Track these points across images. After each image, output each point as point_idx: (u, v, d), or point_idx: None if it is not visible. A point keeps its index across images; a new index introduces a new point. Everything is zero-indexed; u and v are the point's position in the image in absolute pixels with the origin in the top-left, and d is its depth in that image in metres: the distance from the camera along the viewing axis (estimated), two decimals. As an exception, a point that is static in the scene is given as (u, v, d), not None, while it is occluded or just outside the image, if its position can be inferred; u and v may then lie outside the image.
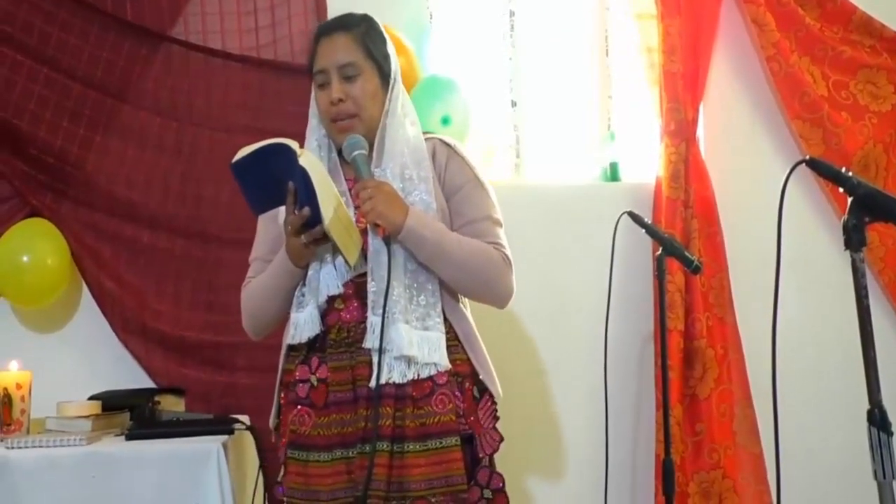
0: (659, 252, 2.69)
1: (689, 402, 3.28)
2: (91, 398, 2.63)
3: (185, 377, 2.99)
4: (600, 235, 3.00)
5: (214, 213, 3.09)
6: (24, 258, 2.86)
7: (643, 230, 2.82)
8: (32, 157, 2.98)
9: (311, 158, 1.88)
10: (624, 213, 2.74)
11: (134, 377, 2.99)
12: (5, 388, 2.44)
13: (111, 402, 2.60)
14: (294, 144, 1.87)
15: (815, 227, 3.49)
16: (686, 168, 3.34)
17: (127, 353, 3.01)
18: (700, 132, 3.42)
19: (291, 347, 2.03)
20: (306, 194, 1.85)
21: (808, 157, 1.57)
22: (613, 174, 3.51)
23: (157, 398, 2.67)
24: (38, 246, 2.90)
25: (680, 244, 2.82)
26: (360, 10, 2.14)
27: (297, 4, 3.22)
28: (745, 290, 3.38)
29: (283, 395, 2.07)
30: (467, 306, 2.10)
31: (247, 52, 3.16)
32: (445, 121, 2.96)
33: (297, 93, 3.14)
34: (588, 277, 3.24)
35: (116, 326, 3.01)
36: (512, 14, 3.51)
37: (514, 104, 3.49)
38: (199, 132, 3.12)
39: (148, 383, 2.99)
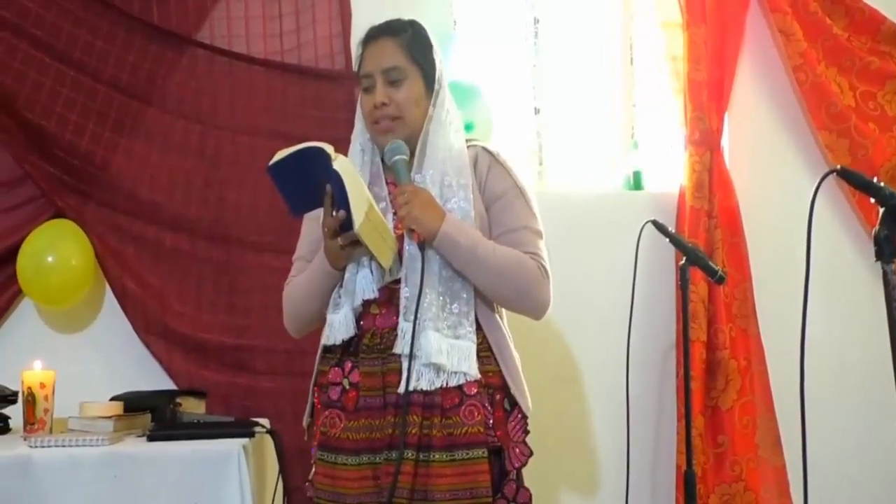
0: (683, 262, 2.67)
1: (711, 413, 3.26)
2: (113, 399, 2.64)
3: (206, 379, 2.99)
4: (623, 244, 2.99)
5: (237, 215, 3.10)
6: (49, 258, 2.88)
7: (667, 239, 2.80)
8: (58, 159, 3.00)
9: (345, 162, 1.89)
10: (648, 221, 2.72)
11: (155, 378, 2.99)
12: (29, 388, 2.45)
13: (133, 403, 2.61)
14: (329, 148, 1.89)
15: (840, 237, 3.47)
16: (710, 177, 3.32)
17: (148, 355, 3.02)
18: (724, 141, 3.40)
19: (326, 349, 2.04)
20: (342, 197, 1.85)
21: (839, 166, 1.55)
22: (637, 183, 3.49)
23: (178, 400, 2.68)
24: (63, 247, 2.91)
25: (704, 254, 2.80)
26: (383, 17, 2.15)
27: (321, 10, 3.23)
28: (769, 301, 3.35)
29: (316, 395, 2.07)
30: (503, 317, 2.09)
31: (271, 57, 3.17)
32: (468, 127, 2.95)
33: (319, 97, 3.17)
34: (610, 286, 3.22)
35: (138, 328, 3.02)
36: (536, 21, 3.51)
37: (537, 111, 3.49)
38: (222, 135, 3.13)
39: (169, 385, 2.99)
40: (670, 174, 3.47)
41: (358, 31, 3.07)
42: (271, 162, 1.92)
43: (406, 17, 2.16)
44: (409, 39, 2.05)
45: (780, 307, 3.32)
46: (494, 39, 3.50)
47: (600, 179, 3.54)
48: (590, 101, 3.57)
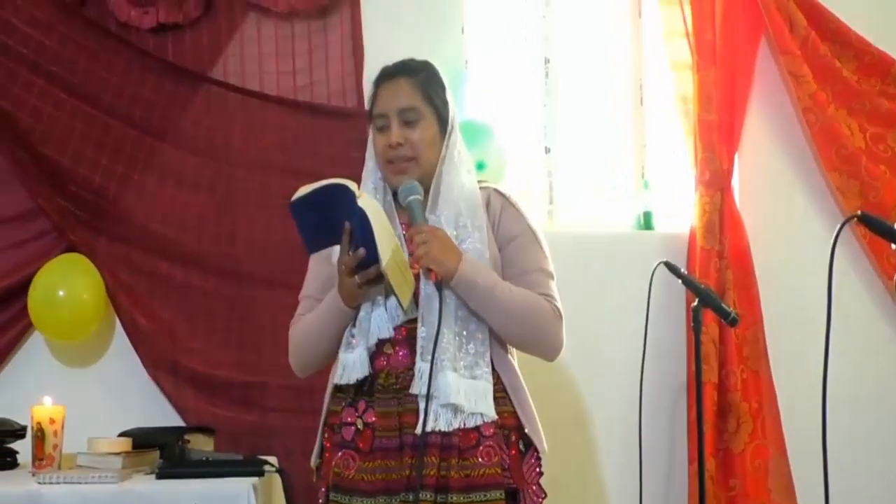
0: (695, 303, 2.66)
1: (722, 456, 3.24)
2: (121, 435, 2.63)
3: (215, 416, 2.98)
4: (633, 284, 2.99)
5: (248, 251, 3.11)
6: (60, 293, 2.88)
7: (679, 280, 2.79)
8: (72, 193, 3.02)
9: (370, 200, 1.89)
10: (660, 263, 2.71)
11: (164, 414, 2.99)
12: (39, 423, 2.45)
13: (141, 440, 2.60)
14: (353, 185, 1.89)
15: (851, 279, 3.45)
16: (721, 218, 3.32)
17: (157, 390, 3.01)
18: (735, 182, 3.41)
19: (338, 388, 2.02)
20: (362, 235, 1.85)
21: (859, 212, 1.55)
22: (647, 223, 3.49)
23: (186, 437, 2.67)
24: (75, 281, 2.92)
25: (716, 295, 2.79)
26: (396, 56, 2.16)
27: (334, 48, 3.26)
28: (780, 342, 3.34)
29: (326, 435, 2.05)
30: (515, 358, 2.08)
31: (284, 94, 3.20)
32: (480, 166, 2.96)
33: (331, 134, 3.19)
34: (620, 325, 3.21)
35: (147, 363, 3.01)
36: (547, 61, 3.53)
37: (547, 150, 3.50)
38: (234, 171, 3.15)
39: (178, 421, 2.99)
40: (680, 214, 3.48)
41: (370, 70, 3.13)
42: (294, 198, 1.92)
43: (418, 56, 2.17)
44: (424, 80, 2.06)
45: (792, 349, 3.31)
46: (506, 79, 3.52)
47: (611, 219, 3.54)
48: (600, 140, 3.58)
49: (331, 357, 2.05)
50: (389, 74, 2.08)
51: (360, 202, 1.85)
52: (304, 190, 1.92)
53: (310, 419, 2.92)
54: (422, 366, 1.89)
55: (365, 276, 1.88)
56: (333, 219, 1.91)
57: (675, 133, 3.45)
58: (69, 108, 3.04)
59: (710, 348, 3.21)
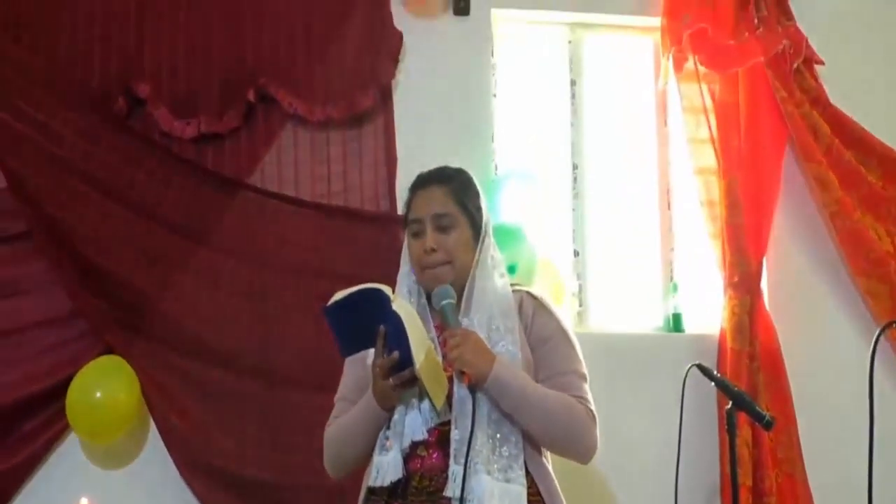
0: (729, 406, 2.65)
1: (760, 561, 3.17)
2: (154, 537, 2.64)
3: (247, 518, 2.97)
4: (663, 386, 3.00)
5: (281, 354, 3.14)
6: (98, 394, 2.92)
7: (710, 382, 2.78)
8: (110, 295, 3.08)
9: (404, 304, 1.93)
10: (692, 365, 2.71)
11: (197, 516, 2.99)
12: (74, 525, 2.46)
13: (174, 542, 2.60)
14: (387, 289, 1.93)
15: (886, 384, 3.42)
16: (751, 320, 3.34)
17: (190, 492, 3.01)
18: (763, 285, 3.43)
19: (371, 490, 2.02)
20: (396, 338, 1.89)
21: (896, 321, 1.56)
22: (676, 325, 3.51)
23: (218, 539, 2.67)
24: (111, 383, 2.96)
25: (750, 398, 2.78)
26: (427, 163, 2.23)
27: (367, 156, 3.35)
28: (814, 447, 3.30)
29: None
30: (550, 462, 2.08)
31: (319, 199, 3.28)
32: (512, 269, 3.01)
33: (365, 238, 3.26)
34: (652, 428, 3.20)
35: (180, 464, 3.03)
36: (575, 167, 3.61)
37: (576, 253, 3.55)
38: (270, 275, 3.20)
39: (209, 524, 2.99)
40: (709, 316, 3.49)
41: (403, 177, 3.23)
42: (329, 303, 1.95)
43: (450, 163, 2.23)
44: (458, 187, 2.12)
45: (827, 452, 3.27)
46: (535, 184, 3.59)
47: (640, 321, 3.56)
48: (628, 244, 3.63)
49: (365, 459, 2.06)
50: (425, 181, 2.15)
51: (395, 305, 1.89)
52: (339, 295, 1.95)
53: (341, 521, 2.93)
54: (455, 469, 1.89)
55: (399, 378, 1.91)
56: (367, 322, 1.94)
57: (703, 236, 3.50)
58: (112, 213, 3.13)
59: (743, 451, 3.18)
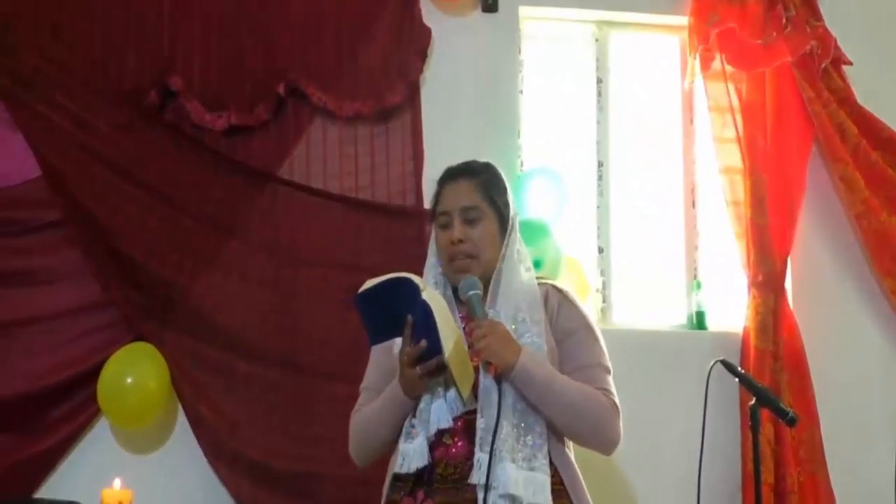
0: (752, 402, 2.66)
1: (781, 559, 3.18)
2: (181, 523, 2.68)
3: (273, 506, 3.01)
4: (686, 382, 3.02)
5: (308, 345, 3.18)
6: (128, 380, 2.98)
7: (734, 379, 2.79)
8: (142, 286, 3.13)
9: (433, 293, 1.96)
10: (717, 361, 2.73)
11: (221, 502, 3.03)
12: (108, 507, 2.50)
13: (201, 528, 2.64)
14: (417, 279, 1.97)
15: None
16: (775, 319, 3.35)
17: (216, 479, 3.06)
18: (787, 284, 3.43)
19: (397, 477, 2.05)
20: (425, 327, 1.92)
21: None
22: (700, 322, 3.52)
23: (246, 526, 2.71)
24: (142, 369, 3.02)
25: (774, 395, 2.79)
26: (454, 158, 2.27)
27: (395, 150, 3.39)
28: (837, 446, 3.31)
29: None
30: (572, 452, 2.10)
31: (347, 193, 3.32)
32: (537, 264, 3.02)
33: (391, 232, 3.29)
34: (674, 424, 3.22)
35: (207, 452, 3.07)
36: (600, 165, 3.63)
37: (601, 250, 3.57)
38: (298, 267, 3.25)
39: (234, 508, 3.04)
40: (732, 314, 3.50)
41: (429, 171, 3.26)
42: (360, 291, 1.99)
43: (476, 157, 2.26)
44: (486, 181, 2.15)
45: (850, 452, 3.28)
46: (560, 181, 3.61)
47: (663, 319, 3.58)
48: (652, 241, 3.65)
49: (390, 446, 2.10)
50: (453, 174, 2.18)
51: (424, 295, 1.93)
52: (369, 283, 1.99)
53: (366, 510, 2.97)
54: (481, 456, 1.92)
55: (426, 367, 1.94)
56: (396, 311, 1.97)
57: (727, 235, 3.51)
58: (144, 205, 3.18)
59: (765, 449, 3.19)
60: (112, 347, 3.08)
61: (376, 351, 2.19)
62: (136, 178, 3.20)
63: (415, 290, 1.94)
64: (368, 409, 2.14)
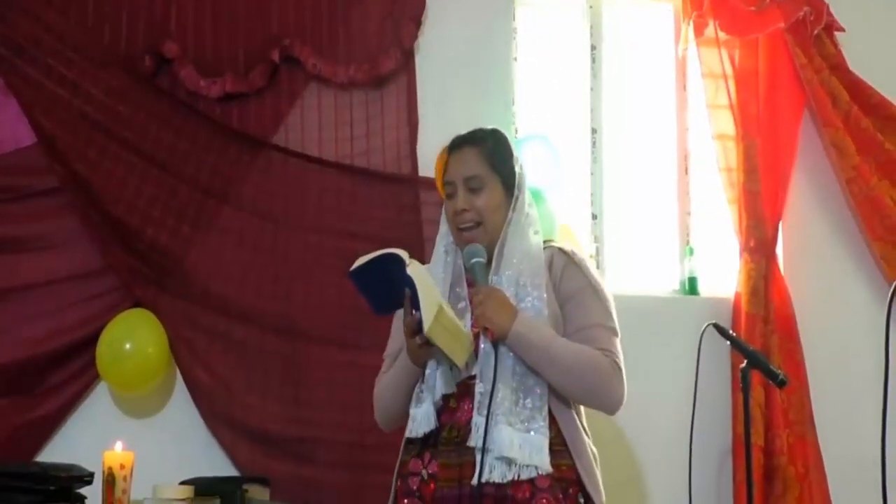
0: (744, 365, 2.70)
1: (770, 520, 3.24)
2: (182, 483, 2.71)
3: (269, 469, 3.05)
4: (678, 347, 3.06)
5: (303, 310, 3.20)
6: (127, 346, 3.00)
7: (725, 343, 2.84)
8: (139, 252, 3.14)
9: (418, 268, 1.99)
10: (709, 324, 2.77)
11: (220, 465, 3.07)
12: (110, 468, 2.50)
13: (202, 489, 2.67)
14: (403, 254, 2.00)
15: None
16: (766, 284, 3.39)
17: (214, 441, 3.10)
18: (779, 249, 3.47)
19: (409, 440, 2.11)
20: (416, 300, 1.96)
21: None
22: (692, 288, 3.56)
23: (245, 486, 2.74)
24: (140, 335, 3.04)
25: (765, 358, 2.83)
26: (448, 125, 2.28)
27: (390, 117, 3.39)
28: (825, 408, 3.36)
29: (398, 484, 2.13)
30: (581, 413, 2.13)
31: (341, 160, 3.32)
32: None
33: (386, 199, 3.30)
34: (666, 388, 3.26)
35: (206, 415, 3.11)
36: (594, 132, 3.65)
37: (594, 217, 3.60)
38: (292, 233, 3.26)
39: (231, 471, 3.07)
40: (724, 279, 3.54)
41: (424, 139, 3.28)
42: (352, 268, 2.02)
43: (470, 125, 2.27)
44: (490, 148, 2.17)
45: (839, 414, 3.33)
46: (554, 146, 3.63)
47: (655, 284, 3.61)
48: (645, 208, 3.67)
49: (407, 412, 2.14)
50: (458, 144, 2.20)
51: (409, 270, 1.96)
52: (361, 260, 2.02)
53: (362, 475, 3.02)
54: (478, 420, 1.96)
55: (421, 337, 1.98)
56: (394, 283, 2.01)
57: (720, 201, 3.54)
58: (139, 171, 3.18)
59: (755, 412, 3.23)
60: (110, 314, 3.09)
61: (397, 318, 2.23)
62: (130, 144, 3.19)
63: (401, 264, 1.97)
64: (386, 377, 2.21)
